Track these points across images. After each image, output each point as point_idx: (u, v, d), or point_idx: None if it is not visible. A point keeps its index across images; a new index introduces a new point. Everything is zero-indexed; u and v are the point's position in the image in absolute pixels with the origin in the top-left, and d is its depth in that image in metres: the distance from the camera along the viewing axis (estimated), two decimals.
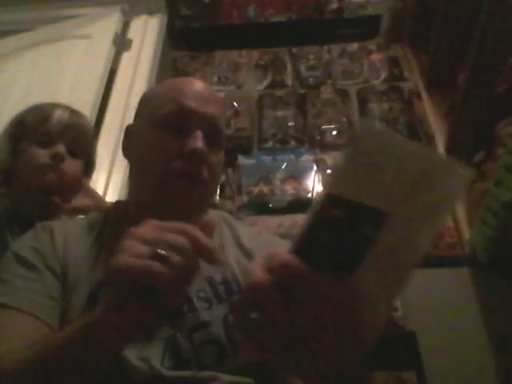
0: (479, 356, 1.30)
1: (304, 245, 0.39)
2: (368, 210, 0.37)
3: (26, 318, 0.65)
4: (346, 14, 2.19)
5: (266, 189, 1.71)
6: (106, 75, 1.91)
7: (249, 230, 0.87)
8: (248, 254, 0.79)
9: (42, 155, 1.01)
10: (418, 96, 1.93)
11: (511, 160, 1.17)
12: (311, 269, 0.38)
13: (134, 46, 2.07)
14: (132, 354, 0.65)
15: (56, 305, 0.69)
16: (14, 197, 1.03)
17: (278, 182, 1.73)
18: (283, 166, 1.77)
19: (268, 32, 2.26)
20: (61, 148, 1.02)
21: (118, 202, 0.89)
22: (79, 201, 1.05)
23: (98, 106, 1.78)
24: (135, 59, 2.02)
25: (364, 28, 2.21)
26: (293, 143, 1.89)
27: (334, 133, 1.89)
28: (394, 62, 2.11)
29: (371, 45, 2.18)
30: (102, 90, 1.85)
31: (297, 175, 1.75)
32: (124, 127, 0.85)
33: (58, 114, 1.05)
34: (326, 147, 1.85)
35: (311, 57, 2.19)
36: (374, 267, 0.39)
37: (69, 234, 0.77)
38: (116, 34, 2.05)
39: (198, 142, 0.72)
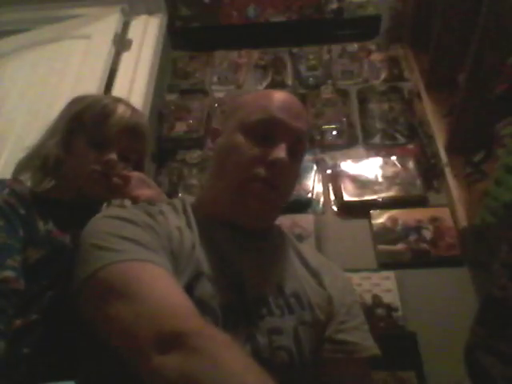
0: None
1: None
2: None
3: (158, 270, 0.66)
4: (346, 14, 2.19)
5: None
6: (106, 75, 1.90)
7: (308, 249, 0.90)
8: (314, 274, 0.82)
9: (94, 159, 0.97)
10: (418, 96, 1.93)
11: (511, 160, 1.17)
12: None
13: (134, 46, 2.07)
14: None
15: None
16: (60, 187, 1.00)
17: None
18: None
19: (268, 32, 2.25)
20: (113, 155, 0.98)
21: (184, 199, 0.87)
22: (142, 191, 1.00)
23: None
24: (135, 59, 2.01)
25: (364, 28, 2.21)
26: None
27: (334, 133, 1.89)
28: (393, 62, 2.11)
29: (371, 45, 2.18)
30: (102, 90, 1.84)
31: None
32: None
33: (118, 114, 0.99)
34: (325, 147, 1.85)
35: (311, 57, 2.19)
36: None
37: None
38: (116, 34, 2.04)
39: (282, 152, 0.75)
